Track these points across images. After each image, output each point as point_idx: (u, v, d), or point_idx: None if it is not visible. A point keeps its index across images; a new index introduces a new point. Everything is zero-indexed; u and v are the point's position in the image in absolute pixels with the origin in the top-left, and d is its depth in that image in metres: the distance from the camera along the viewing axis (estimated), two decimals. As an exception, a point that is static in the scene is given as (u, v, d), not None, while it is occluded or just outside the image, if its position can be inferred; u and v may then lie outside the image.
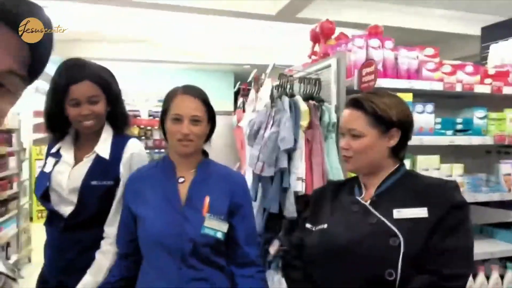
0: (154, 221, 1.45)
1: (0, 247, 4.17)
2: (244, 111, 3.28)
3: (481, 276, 2.42)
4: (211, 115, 1.54)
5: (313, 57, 2.72)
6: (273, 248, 2.09)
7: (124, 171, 1.61)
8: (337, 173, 2.08)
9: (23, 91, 0.65)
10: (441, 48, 2.62)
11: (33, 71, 0.64)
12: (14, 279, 0.72)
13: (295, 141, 2.07)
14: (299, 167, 2.06)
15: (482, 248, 2.43)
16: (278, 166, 2.05)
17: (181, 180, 1.51)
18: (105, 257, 1.57)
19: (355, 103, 1.36)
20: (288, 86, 2.29)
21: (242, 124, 3.01)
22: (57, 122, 1.64)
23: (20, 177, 4.99)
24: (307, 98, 2.20)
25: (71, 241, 1.58)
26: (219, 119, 1.66)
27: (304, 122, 2.11)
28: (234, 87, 3.88)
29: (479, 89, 2.43)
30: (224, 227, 1.45)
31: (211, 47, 7.75)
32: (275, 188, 2.07)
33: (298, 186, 2.04)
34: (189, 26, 6.46)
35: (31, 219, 6.49)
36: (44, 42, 0.63)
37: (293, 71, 2.54)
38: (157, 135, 7.99)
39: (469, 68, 2.49)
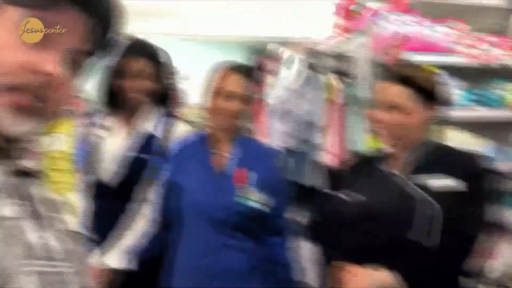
0: (194, 191, 1.52)
1: None
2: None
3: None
4: (252, 94, 1.59)
5: (337, 30, 2.71)
6: (304, 220, 2.15)
7: (167, 149, 1.67)
8: (362, 146, 2.11)
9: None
10: (466, 21, 2.58)
11: (102, 46, 0.63)
12: (95, 241, 0.77)
13: (322, 115, 2.10)
14: (327, 140, 2.10)
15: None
16: (306, 141, 2.09)
17: (220, 152, 1.58)
18: (143, 220, 1.63)
19: (396, 77, 1.37)
20: (314, 60, 2.30)
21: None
22: (110, 97, 1.71)
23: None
24: (332, 72, 2.21)
25: (116, 211, 1.63)
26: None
27: (330, 96, 2.13)
28: (249, 60, 3.84)
29: (509, 61, 2.41)
30: (261, 198, 1.51)
31: (224, 20, 7.66)
32: (305, 162, 2.11)
33: (326, 159, 2.08)
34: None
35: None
36: (112, 17, 0.61)
37: (317, 45, 2.54)
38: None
39: (496, 40, 2.47)
